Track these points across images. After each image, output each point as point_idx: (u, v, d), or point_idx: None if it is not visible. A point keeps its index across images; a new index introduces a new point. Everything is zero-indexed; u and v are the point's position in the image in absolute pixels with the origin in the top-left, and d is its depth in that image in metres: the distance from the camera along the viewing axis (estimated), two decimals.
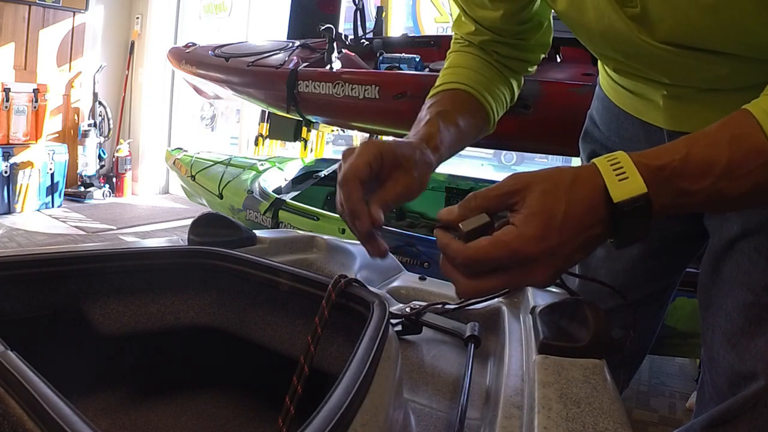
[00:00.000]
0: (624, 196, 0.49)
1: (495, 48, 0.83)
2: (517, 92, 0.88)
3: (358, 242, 0.65)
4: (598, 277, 0.93)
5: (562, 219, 0.49)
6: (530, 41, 0.85)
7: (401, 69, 2.75)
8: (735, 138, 0.50)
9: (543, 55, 0.89)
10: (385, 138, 2.89)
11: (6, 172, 4.23)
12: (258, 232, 0.84)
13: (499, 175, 6.77)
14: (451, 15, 0.87)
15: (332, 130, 3.58)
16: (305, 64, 2.78)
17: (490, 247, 0.50)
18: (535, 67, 0.89)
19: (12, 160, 4.25)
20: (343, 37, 2.90)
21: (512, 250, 0.50)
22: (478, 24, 0.82)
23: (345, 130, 3.58)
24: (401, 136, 0.71)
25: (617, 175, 0.50)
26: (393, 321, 0.67)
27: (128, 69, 5.32)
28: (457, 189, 3.00)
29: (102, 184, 5.05)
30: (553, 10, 0.79)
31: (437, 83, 0.83)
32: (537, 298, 0.74)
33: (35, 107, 4.41)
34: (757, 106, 0.51)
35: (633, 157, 0.51)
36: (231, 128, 6.25)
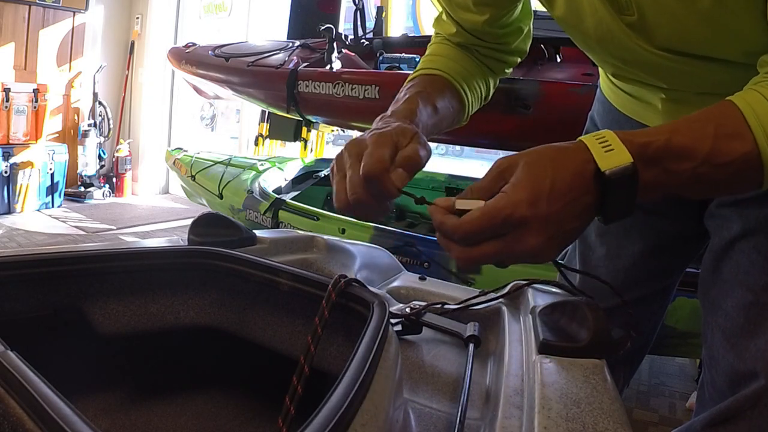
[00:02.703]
0: (612, 166, 0.51)
1: (475, 47, 0.84)
2: (492, 91, 0.89)
3: (358, 242, 0.65)
4: (598, 276, 0.93)
5: (551, 185, 0.51)
6: (510, 45, 0.86)
7: (401, 69, 2.75)
8: (719, 128, 0.51)
9: (519, 59, 0.90)
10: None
11: (6, 172, 4.23)
12: (258, 232, 0.84)
13: None
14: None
15: (332, 130, 3.57)
16: (305, 64, 2.78)
17: (482, 217, 0.51)
18: (511, 69, 0.90)
19: (12, 160, 4.25)
20: (343, 37, 2.90)
21: (505, 216, 0.51)
22: (459, 26, 0.82)
23: (345, 130, 3.58)
24: None
25: (603, 148, 0.52)
26: (393, 321, 0.67)
27: (128, 69, 5.32)
28: (457, 189, 3.00)
29: (102, 184, 5.04)
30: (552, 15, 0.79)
31: (416, 69, 0.83)
32: (537, 298, 0.73)
33: (35, 107, 4.41)
34: (742, 99, 0.52)
35: (618, 134, 0.53)
36: (231, 128, 6.24)
